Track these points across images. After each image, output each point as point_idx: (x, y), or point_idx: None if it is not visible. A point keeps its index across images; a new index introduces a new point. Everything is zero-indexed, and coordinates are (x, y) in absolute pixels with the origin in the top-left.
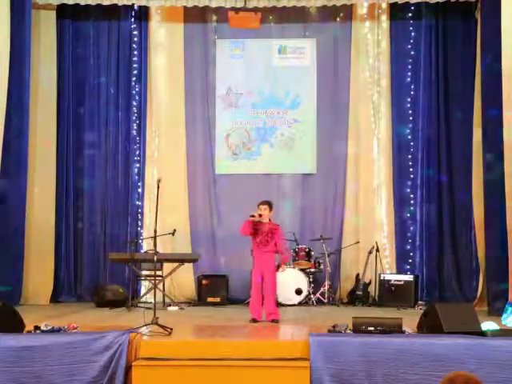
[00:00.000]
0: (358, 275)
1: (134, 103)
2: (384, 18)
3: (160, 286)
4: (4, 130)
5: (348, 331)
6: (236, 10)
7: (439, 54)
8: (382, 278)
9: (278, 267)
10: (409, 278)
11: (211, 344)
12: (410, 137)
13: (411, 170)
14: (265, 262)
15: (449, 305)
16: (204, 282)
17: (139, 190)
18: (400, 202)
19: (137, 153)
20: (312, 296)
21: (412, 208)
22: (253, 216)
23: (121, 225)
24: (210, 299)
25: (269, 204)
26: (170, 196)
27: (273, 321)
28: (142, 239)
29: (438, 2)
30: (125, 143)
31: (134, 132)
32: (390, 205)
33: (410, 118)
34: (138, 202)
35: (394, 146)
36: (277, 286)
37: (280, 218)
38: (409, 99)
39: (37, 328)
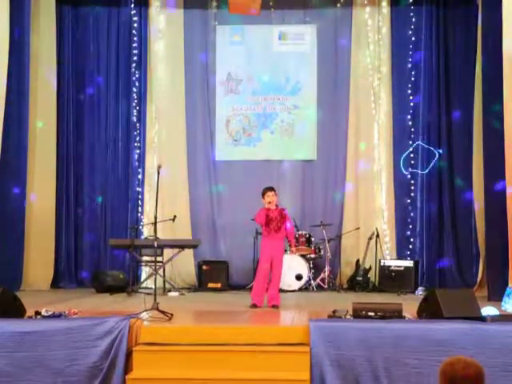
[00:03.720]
0: (358, 261)
1: (134, 90)
2: (384, 3)
3: (160, 271)
4: (4, 115)
5: (348, 317)
6: None
7: (440, 40)
8: (382, 263)
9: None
10: (409, 263)
11: (211, 329)
12: (410, 123)
13: (412, 155)
14: (275, 248)
15: (449, 290)
16: (204, 267)
17: (139, 177)
18: (400, 187)
19: (137, 139)
20: (312, 282)
21: (412, 194)
22: (270, 203)
23: (121, 211)
24: (210, 285)
25: (275, 190)
26: (171, 182)
27: (273, 306)
28: (142, 225)
29: None
30: (125, 130)
31: (134, 118)
32: (390, 191)
33: (411, 104)
34: (138, 189)
35: (394, 132)
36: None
37: (280, 205)
38: (409, 85)
39: (37, 313)
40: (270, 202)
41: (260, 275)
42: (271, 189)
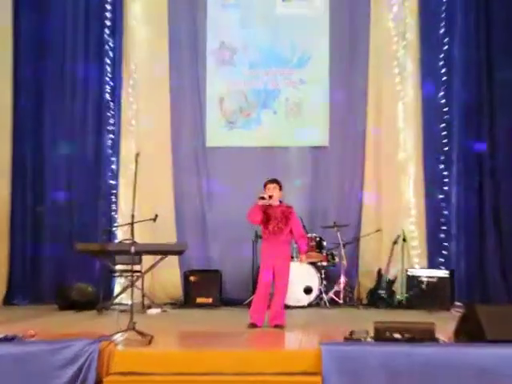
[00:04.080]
0: (380, 270)
1: (108, 61)
2: None
3: (138, 283)
4: None
5: (369, 339)
6: None
7: (480, 1)
8: (409, 273)
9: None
10: (443, 273)
11: (200, 355)
12: (443, 101)
13: (445, 141)
14: (278, 255)
15: (492, 307)
16: (192, 278)
17: (113, 167)
18: (431, 180)
19: (110, 121)
20: (324, 296)
21: (446, 188)
22: (262, 198)
23: (90, 209)
24: (199, 300)
25: (278, 182)
26: (151, 174)
27: (276, 326)
28: (116, 226)
29: None
30: (95, 109)
31: (107, 96)
32: (418, 184)
33: (444, 79)
34: (111, 181)
35: (423, 113)
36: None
37: (285, 201)
38: (441, 55)
39: None
40: (270, 197)
41: (260, 288)
42: (273, 181)
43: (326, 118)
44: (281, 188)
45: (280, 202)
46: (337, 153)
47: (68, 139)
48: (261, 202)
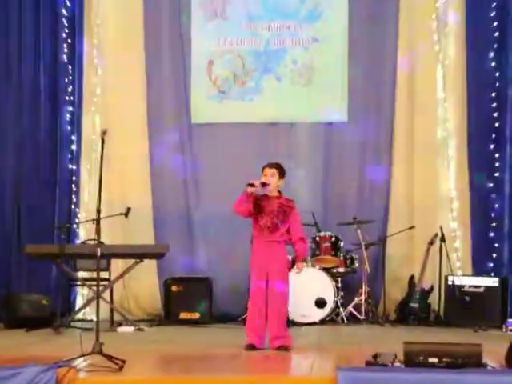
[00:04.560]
0: (412, 278)
1: (64, 12)
2: None
3: (106, 294)
4: None
5: (397, 364)
6: None
7: None
8: (450, 282)
9: (292, 265)
10: (492, 282)
11: (186, 383)
12: (493, 63)
13: (496, 115)
14: (272, 258)
15: None
16: (174, 288)
17: (73, 148)
18: (478, 165)
19: (69, 90)
20: (341, 310)
21: (497, 174)
22: (251, 185)
23: (44, 201)
24: (183, 315)
25: (278, 168)
26: (122, 157)
27: (281, 348)
28: (77, 223)
29: None
30: (49, 75)
31: (64, 57)
32: (462, 169)
33: (495, 35)
34: (71, 166)
35: (469, 80)
36: (289, 297)
37: (292, 191)
38: (493, 5)
39: None
40: (263, 185)
41: (252, 300)
42: (272, 165)
43: (343, 86)
44: (282, 175)
45: (279, 192)
46: (358, 130)
47: (14, 113)
48: (249, 190)
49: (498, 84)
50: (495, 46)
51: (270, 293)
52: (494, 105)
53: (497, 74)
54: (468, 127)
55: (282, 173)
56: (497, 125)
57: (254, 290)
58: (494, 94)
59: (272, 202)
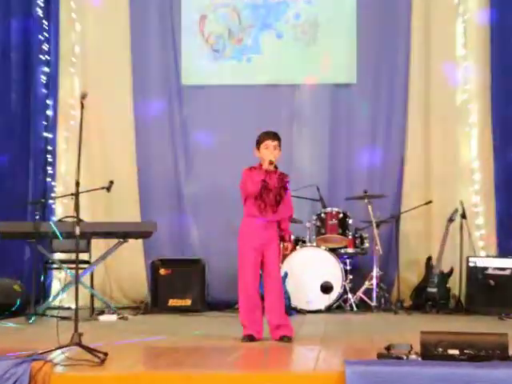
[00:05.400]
0: (429, 260)
1: None
2: None
3: (86, 279)
4: None
5: (413, 356)
6: None
7: None
8: (471, 264)
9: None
10: None
11: (175, 379)
12: None
13: None
14: (268, 238)
15: None
16: (163, 271)
17: (48, 114)
18: (503, 132)
19: (44, 48)
20: (350, 296)
21: None
22: (271, 163)
23: (16, 174)
24: (173, 302)
25: (279, 138)
26: (104, 124)
27: (283, 338)
28: (53, 198)
29: None
30: (21, 30)
31: (39, 11)
32: (485, 138)
33: None
34: (46, 134)
35: (492, 35)
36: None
37: (294, 161)
38: None
39: None
40: (270, 163)
41: (245, 286)
42: (275, 137)
43: (352, 43)
44: (279, 147)
45: (275, 167)
46: (368, 93)
47: None
48: (269, 167)
49: None
50: None
51: (267, 278)
52: None
53: None
54: (491, 89)
55: (281, 144)
56: None
57: (247, 273)
58: None
59: (273, 177)
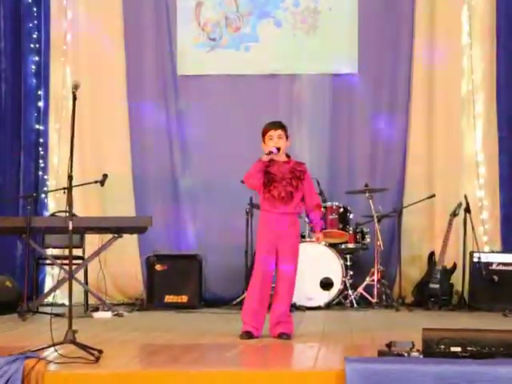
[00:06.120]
0: (432, 255)
1: None
2: None
3: (80, 275)
4: None
5: (415, 354)
6: None
7: None
8: (476, 259)
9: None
10: None
11: (172, 376)
12: None
13: None
14: (284, 233)
15: None
16: (159, 267)
17: (40, 105)
18: (510, 123)
19: (34, 36)
20: (350, 292)
21: None
22: (270, 153)
23: (7, 167)
24: (169, 298)
25: (284, 127)
26: (97, 115)
27: (281, 336)
28: (46, 192)
29: None
30: (10, 16)
31: None
32: (490, 129)
33: None
34: (37, 126)
35: (499, 22)
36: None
37: (293, 153)
38: None
39: None
40: (278, 150)
41: (257, 281)
42: (278, 126)
43: (353, 32)
44: (287, 136)
45: (288, 156)
46: (369, 83)
47: None
48: (266, 158)
49: None
50: None
51: (279, 273)
52: None
53: None
54: (497, 79)
55: (287, 133)
56: None
57: (259, 270)
58: None
59: (282, 167)
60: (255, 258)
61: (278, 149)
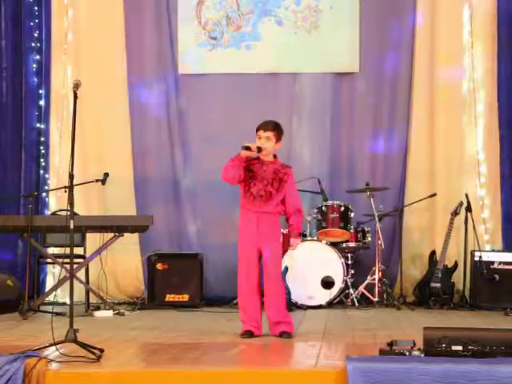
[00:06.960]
0: (433, 254)
1: None
2: None
3: (81, 274)
4: None
5: (416, 353)
6: None
7: None
8: (477, 258)
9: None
10: None
11: (173, 375)
12: None
13: None
14: (263, 232)
15: None
16: (160, 266)
17: (41, 104)
18: (511, 122)
19: (35, 35)
20: (352, 291)
21: None
22: (247, 148)
23: (8, 166)
24: (170, 297)
25: (274, 130)
26: (98, 114)
27: (282, 334)
28: (47, 191)
29: None
30: (11, 14)
31: None
32: (491, 127)
33: None
34: (38, 125)
35: (500, 21)
36: (286, 275)
37: (295, 152)
38: None
39: None
40: (259, 150)
41: (243, 281)
42: (268, 126)
43: (355, 30)
44: (279, 138)
45: (275, 157)
46: (370, 82)
47: None
48: (244, 154)
49: None
50: None
51: (265, 275)
52: None
53: None
54: (499, 78)
55: (279, 135)
56: None
57: (242, 270)
58: None
59: (266, 167)
60: (238, 259)
61: (259, 149)
